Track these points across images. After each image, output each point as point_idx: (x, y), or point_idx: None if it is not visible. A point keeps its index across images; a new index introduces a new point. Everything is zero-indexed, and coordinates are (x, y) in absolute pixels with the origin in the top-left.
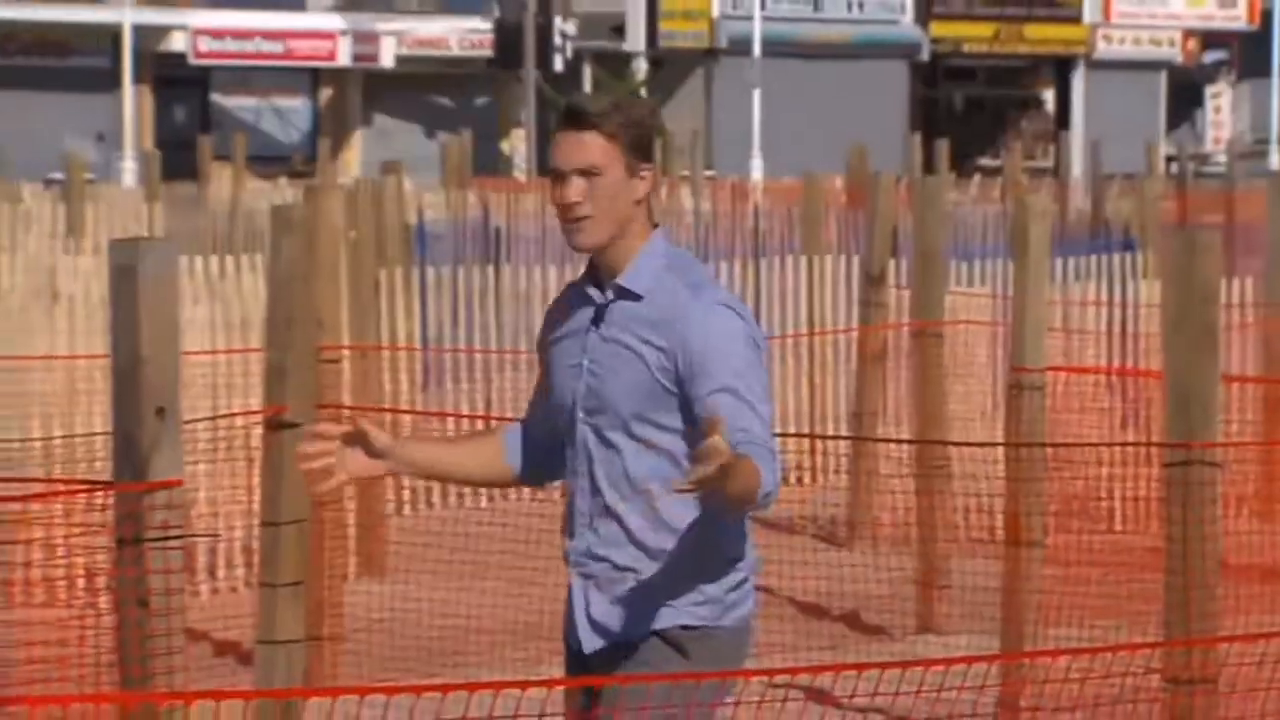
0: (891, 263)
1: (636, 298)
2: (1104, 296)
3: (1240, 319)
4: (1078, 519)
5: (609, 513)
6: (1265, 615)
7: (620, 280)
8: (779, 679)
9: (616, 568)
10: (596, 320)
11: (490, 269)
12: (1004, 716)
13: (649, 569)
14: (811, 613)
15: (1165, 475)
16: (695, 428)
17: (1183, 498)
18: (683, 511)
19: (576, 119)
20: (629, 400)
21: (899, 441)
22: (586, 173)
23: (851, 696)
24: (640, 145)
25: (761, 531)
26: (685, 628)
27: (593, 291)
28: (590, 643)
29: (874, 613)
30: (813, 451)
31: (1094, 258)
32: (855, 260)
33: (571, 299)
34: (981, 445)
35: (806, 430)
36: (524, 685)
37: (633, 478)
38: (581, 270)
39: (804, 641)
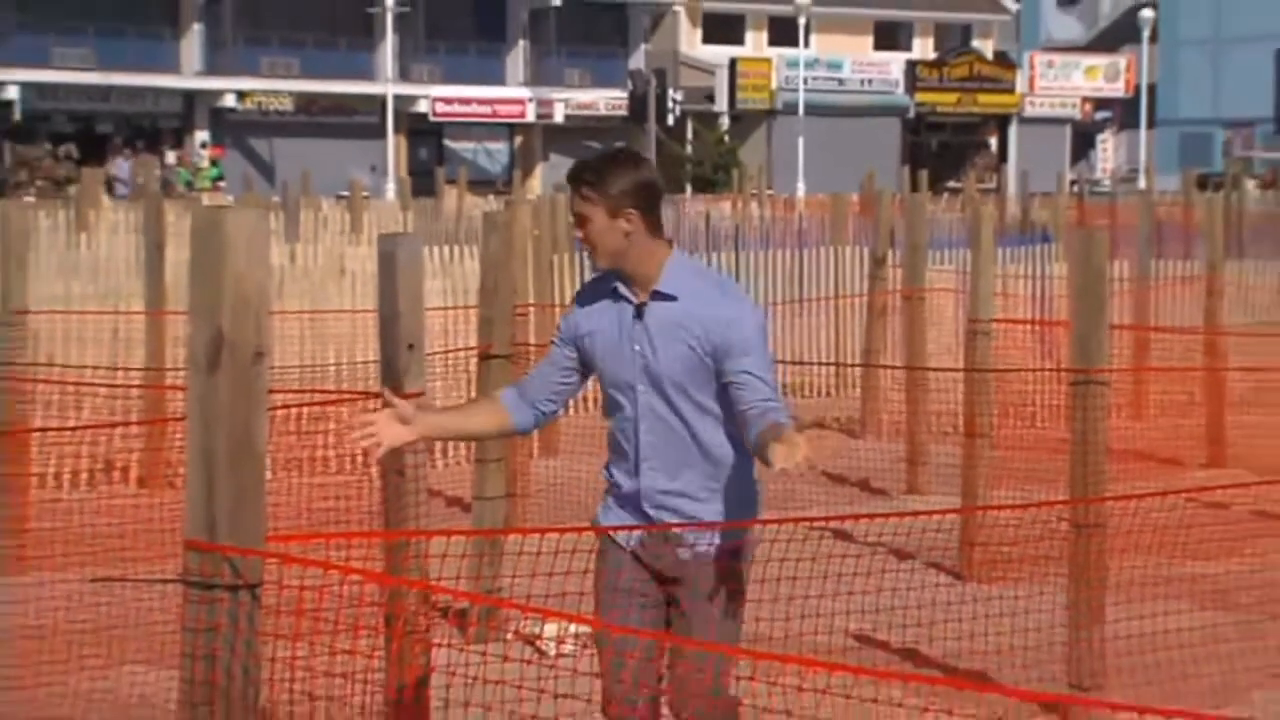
0: (890, 251)
1: (672, 299)
2: (1031, 273)
3: (1119, 288)
4: (1013, 419)
5: (670, 458)
6: (1137, 482)
7: (657, 287)
8: (816, 525)
9: (679, 495)
10: (639, 316)
11: None
12: (964, 550)
13: (704, 498)
14: (836, 481)
15: (1071, 391)
16: (724, 388)
17: (1083, 405)
18: (723, 453)
19: (573, 180)
20: (679, 374)
21: (894, 368)
22: (584, 220)
23: (864, 536)
24: (619, 196)
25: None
26: (736, 550)
27: (629, 295)
28: (666, 555)
29: (878, 480)
30: (837, 374)
31: (1024, 248)
32: (866, 249)
33: (601, 301)
34: (949, 370)
35: (833, 360)
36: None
37: (690, 428)
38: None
39: (831, 499)
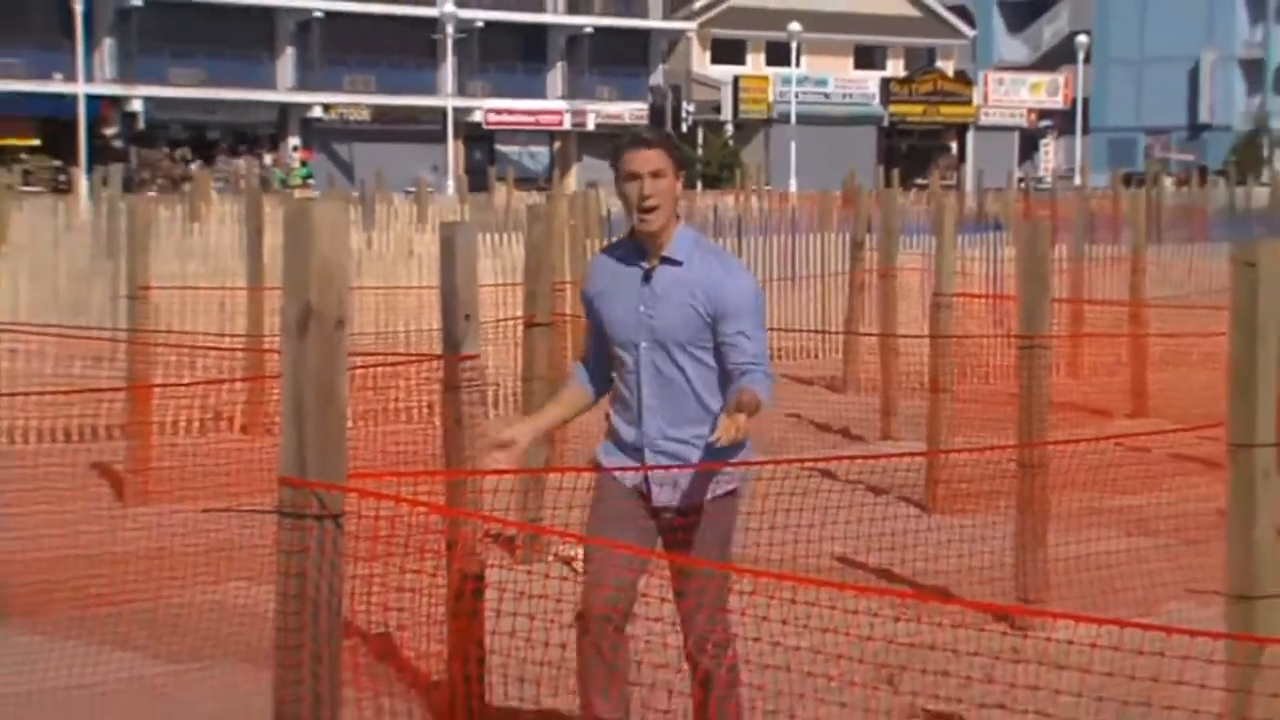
0: (867, 236)
1: (678, 264)
2: (985, 256)
3: (1059, 268)
4: (970, 377)
5: (667, 407)
6: (1074, 429)
7: (666, 253)
8: (806, 466)
9: (679, 441)
10: (646, 280)
11: None
12: (929, 487)
13: (701, 446)
14: (822, 429)
15: (1019, 353)
16: (720, 347)
17: (1028, 365)
18: (714, 406)
19: (646, 142)
20: (682, 332)
21: (871, 335)
22: (656, 175)
23: (845, 475)
24: (678, 159)
25: (795, 386)
26: (731, 492)
27: (641, 263)
28: (667, 497)
29: (856, 428)
30: (823, 339)
31: (979, 235)
32: (847, 235)
33: (612, 267)
34: (916, 336)
35: (819, 328)
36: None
37: (690, 382)
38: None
39: (818, 443)
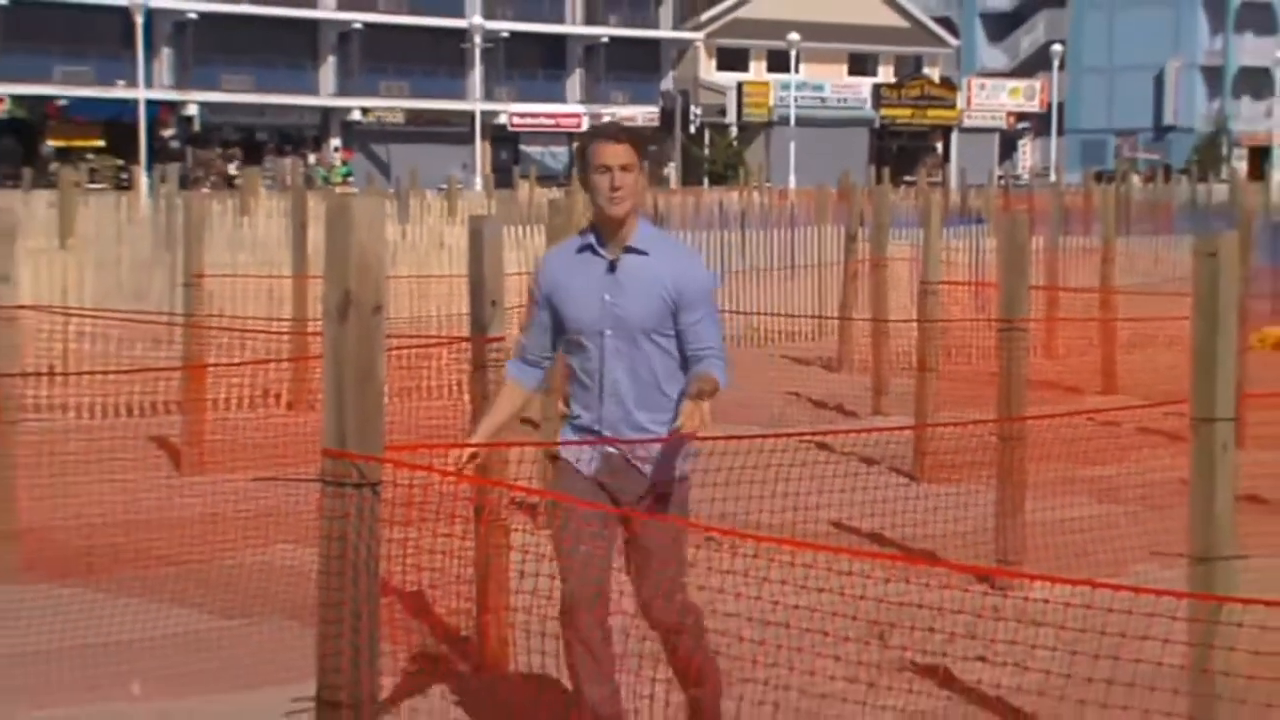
0: (860, 229)
1: (644, 254)
2: (968, 247)
3: (1036, 258)
4: (954, 357)
5: (628, 392)
6: (1049, 405)
7: (630, 243)
8: (804, 439)
9: (639, 427)
10: (611, 269)
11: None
12: (917, 458)
13: (658, 430)
14: (819, 405)
15: (999, 336)
16: (681, 334)
17: (1008, 347)
18: (672, 391)
19: (616, 137)
20: (649, 320)
21: (863, 319)
22: (625, 168)
23: (840, 447)
24: (643, 156)
25: (794, 366)
26: (685, 475)
27: (603, 253)
28: (628, 485)
29: (850, 405)
30: (819, 324)
31: (963, 228)
32: (842, 228)
33: (571, 259)
34: (905, 321)
35: (817, 313)
36: None
37: (652, 368)
38: (567, 240)
39: (815, 419)
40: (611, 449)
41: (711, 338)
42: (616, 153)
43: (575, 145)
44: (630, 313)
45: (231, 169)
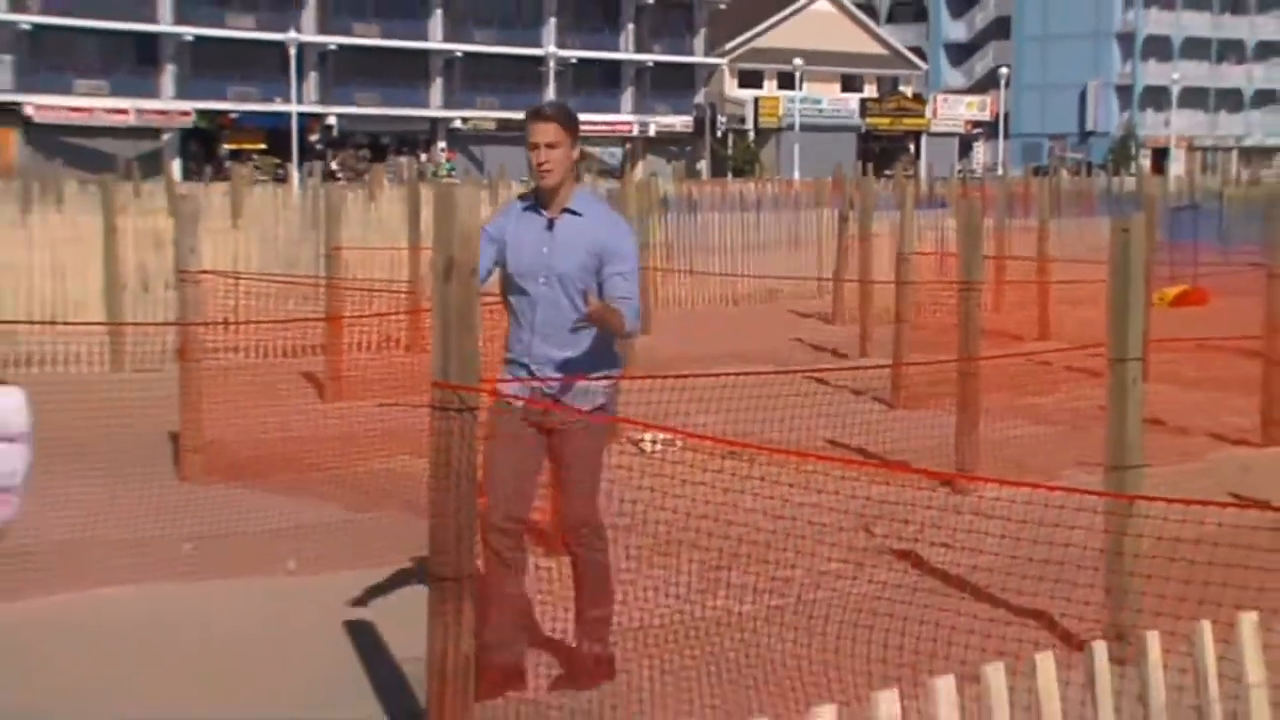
0: (850, 212)
1: (579, 215)
2: (935, 226)
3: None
4: (924, 311)
5: (560, 335)
6: (996, 347)
7: (568, 206)
8: (805, 374)
9: (557, 364)
10: (549, 228)
11: (694, 216)
12: (894, 389)
13: (576, 363)
14: (818, 349)
15: (959, 295)
16: (603, 284)
17: (965, 303)
18: (604, 338)
19: (544, 116)
20: (576, 271)
21: (853, 281)
22: (551, 145)
23: (834, 381)
24: (574, 133)
25: (798, 319)
26: (599, 407)
27: (543, 213)
28: (549, 413)
29: (842, 349)
30: (819, 285)
31: (931, 211)
32: (836, 211)
33: (520, 215)
34: (886, 283)
35: (816, 276)
36: None
37: (576, 310)
38: (512, 199)
39: (815, 359)
40: (537, 382)
41: (628, 290)
42: (545, 130)
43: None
44: (561, 264)
45: (361, 166)
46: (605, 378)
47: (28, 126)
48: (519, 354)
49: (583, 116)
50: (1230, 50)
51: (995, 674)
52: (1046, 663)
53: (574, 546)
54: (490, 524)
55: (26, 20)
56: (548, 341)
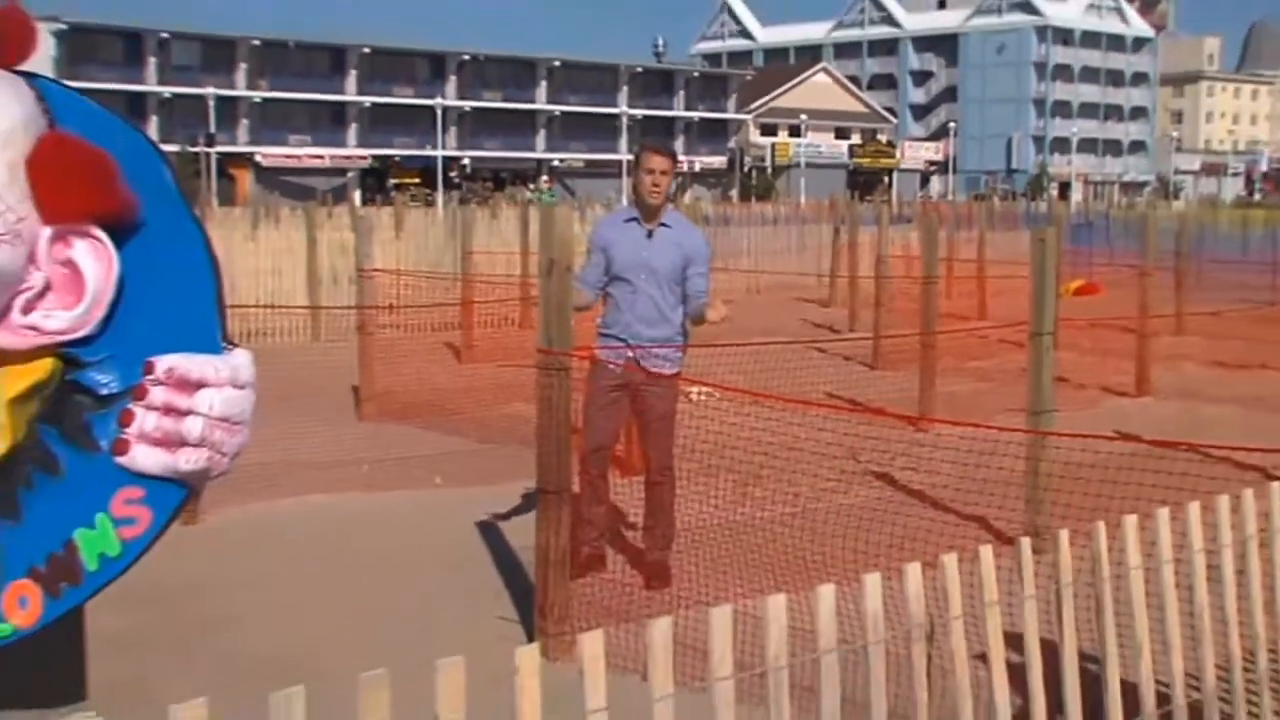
0: (842, 225)
1: (669, 228)
2: (904, 237)
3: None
4: (898, 298)
5: (652, 317)
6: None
7: (663, 221)
8: (805, 344)
9: (646, 339)
10: (649, 236)
11: (728, 229)
12: (875, 355)
13: (663, 339)
14: (817, 326)
15: (922, 286)
16: (686, 280)
17: (927, 292)
18: (678, 321)
19: (660, 151)
20: (670, 272)
21: (845, 277)
22: (664, 172)
23: (829, 350)
24: (675, 165)
25: (803, 304)
26: (675, 374)
27: (644, 226)
28: (640, 377)
29: (835, 325)
30: (818, 279)
31: (901, 225)
32: (832, 225)
33: (623, 227)
34: (869, 277)
35: (816, 273)
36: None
37: (667, 301)
38: (615, 213)
39: (815, 334)
40: (629, 353)
41: (705, 286)
42: (663, 162)
43: (635, 149)
44: (659, 264)
45: (486, 193)
46: (679, 348)
47: (257, 169)
48: (619, 330)
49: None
50: (1113, 112)
51: (950, 561)
52: (987, 553)
53: (655, 479)
54: (586, 459)
55: (259, 95)
56: (641, 321)
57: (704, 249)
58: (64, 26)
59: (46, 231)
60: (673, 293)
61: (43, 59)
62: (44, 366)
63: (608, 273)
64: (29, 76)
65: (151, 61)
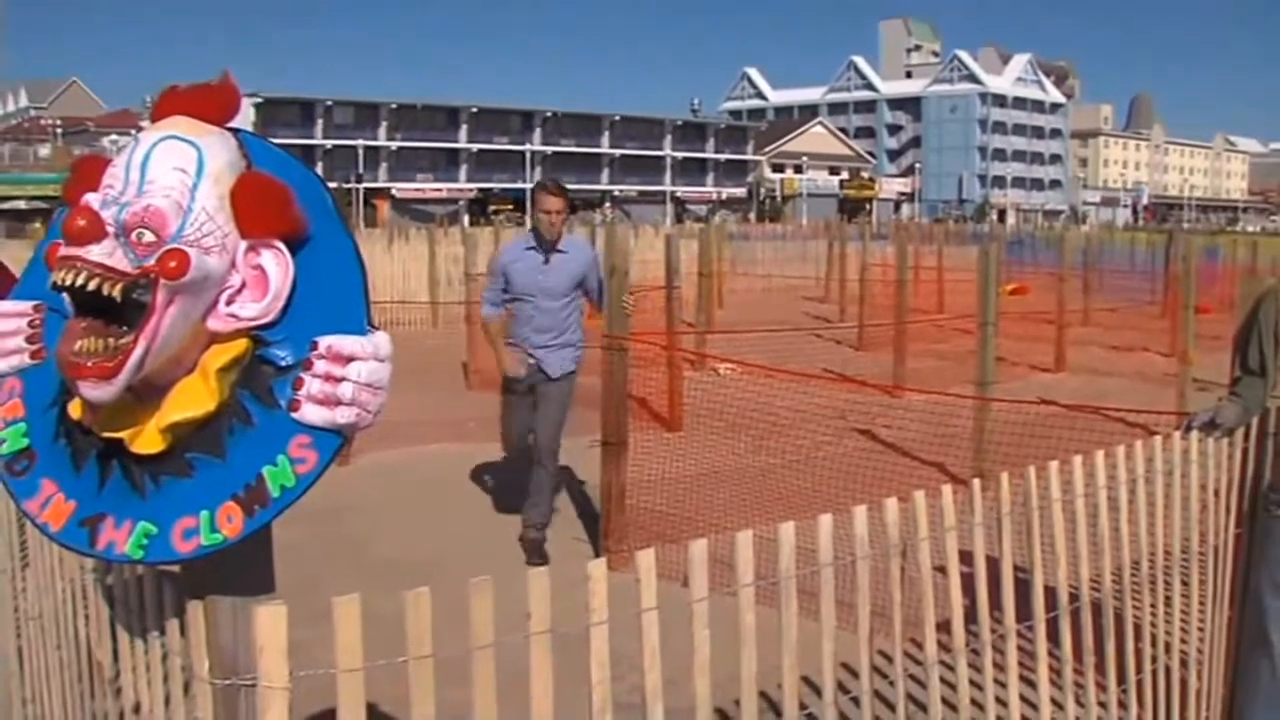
0: (835, 241)
1: (564, 253)
2: (883, 250)
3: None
4: (879, 293)
5: (549, 329)
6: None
7: (559, 246)
8: (803, 330)
9: (552, 348)
10: (545, 261)
11: (748, 243)
12: (860, 340)
13: (559, 347)
14: (816, 318)
15: (895, 286)
16: (587, 291)
17: (900, 292)
18: (576, 329)
19: (554, 192)
20: (564, 290)
21: (837, 280)
22: (559, 211)
23: (823, 335)
24: (569, 201)
25: (804, 301)
26: (572, 372)
27: (541, 251)
28: (540, 378)
29: (828, 318)
30: (816, 281)
31: (880, 242)
32: (828, 241)
33: (522, 254)
34: (856, 280)
35: (815, 276)
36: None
37: (562, 314)
38: (517, 239)
39: (813, 324)
40: (531, 359)
41: (596, 285)
42: (554, 203)
43: (532, 186)
44: (552, 285)
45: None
46: (576, 349)
47: (392, 200)
48: (519, 340)
49: (684, 189)
50: (1036, 158)
51: (919, 497)
52: (947, 491)
53: (541, 461)
54: (509, 448)
55: (395, 144)
56: (538, 333)
57: (593, 261)
58: (260, 100)
59: (243, 245)
60: (567, 307)
61: (244, 119)
62: (240, 345)
63: (507, 291)
64: (235, 131)
65: (319, 122)
